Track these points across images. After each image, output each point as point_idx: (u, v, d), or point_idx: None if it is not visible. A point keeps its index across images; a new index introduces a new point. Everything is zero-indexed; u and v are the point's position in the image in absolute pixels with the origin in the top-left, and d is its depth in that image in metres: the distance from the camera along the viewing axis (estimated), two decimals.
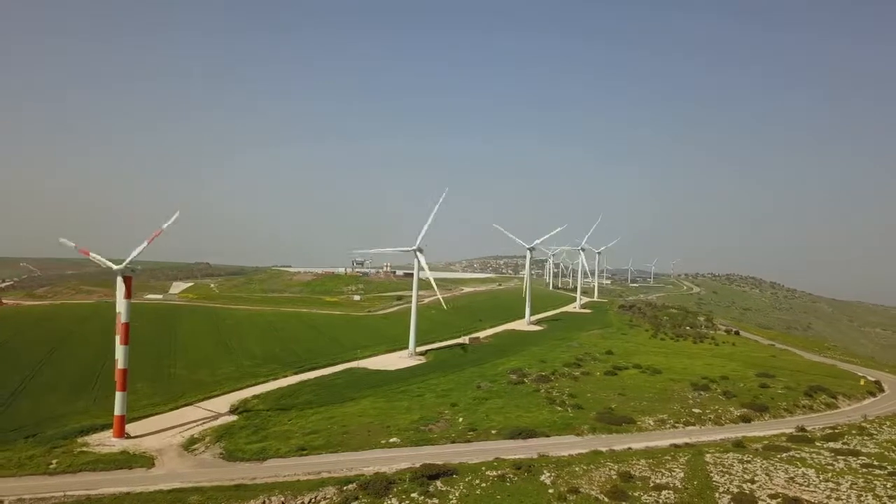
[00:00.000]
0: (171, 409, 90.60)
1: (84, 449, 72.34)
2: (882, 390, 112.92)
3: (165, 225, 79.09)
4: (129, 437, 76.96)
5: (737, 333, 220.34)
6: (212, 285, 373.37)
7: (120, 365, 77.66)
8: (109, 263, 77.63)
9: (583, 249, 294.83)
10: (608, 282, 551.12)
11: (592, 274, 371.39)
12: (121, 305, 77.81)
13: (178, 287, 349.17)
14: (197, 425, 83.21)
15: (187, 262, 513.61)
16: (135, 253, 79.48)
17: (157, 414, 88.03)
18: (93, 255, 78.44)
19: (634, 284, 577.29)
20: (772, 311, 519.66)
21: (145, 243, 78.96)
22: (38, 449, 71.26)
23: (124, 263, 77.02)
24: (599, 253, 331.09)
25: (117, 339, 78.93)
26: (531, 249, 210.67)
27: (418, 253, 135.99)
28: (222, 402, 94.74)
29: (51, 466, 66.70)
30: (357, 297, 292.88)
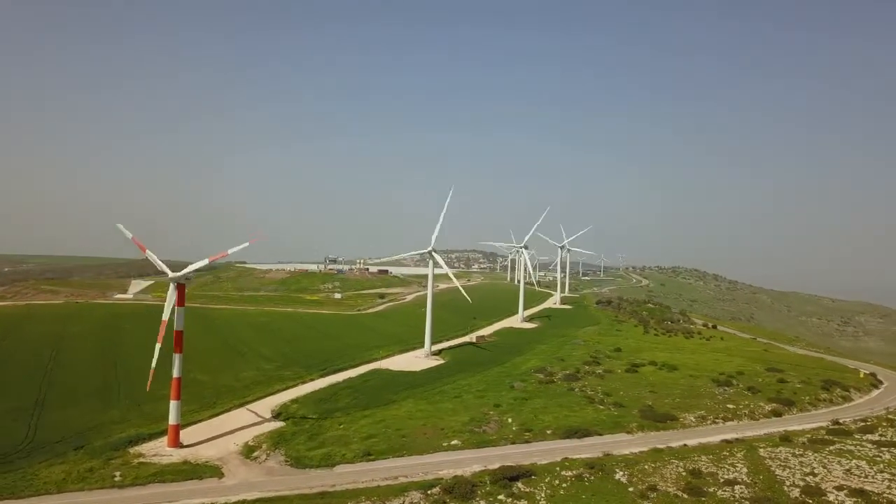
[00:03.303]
0: (211, 417, 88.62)
1: (142, 460, 70.14)
2: (881, 381, 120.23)
3: (231, 251, 78.43)
4: (182, 446, 74.93)
5: (714, 328, 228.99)
6: None
7: (175, 373, 75.60)
8: (165, 268, 74.99)
9: (562, 247, 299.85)
10: (562, 275, 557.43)
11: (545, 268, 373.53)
12: (170, 313, 75.12)
13: (138, 286, 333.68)
14: (245, 432, 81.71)
15: (130, 259, 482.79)
16: (194, 266, 77.99)
17: (198, 421, 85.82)
18: (148, 252, 75.87)
19: (586, 278, 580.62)
20: (716, 302, 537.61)
21: (206, 260, 78.38)
22: (95, 461, 68.65)
23: (181, 272, 74.74)
24: (569, 251, 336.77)
25: (158, 346, 75.83)
26: (526, 247, 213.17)
27: (434, 253, 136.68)
28: (261, 408, 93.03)
29: (116, 479, 64.47)
30: (338, 296, 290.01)
